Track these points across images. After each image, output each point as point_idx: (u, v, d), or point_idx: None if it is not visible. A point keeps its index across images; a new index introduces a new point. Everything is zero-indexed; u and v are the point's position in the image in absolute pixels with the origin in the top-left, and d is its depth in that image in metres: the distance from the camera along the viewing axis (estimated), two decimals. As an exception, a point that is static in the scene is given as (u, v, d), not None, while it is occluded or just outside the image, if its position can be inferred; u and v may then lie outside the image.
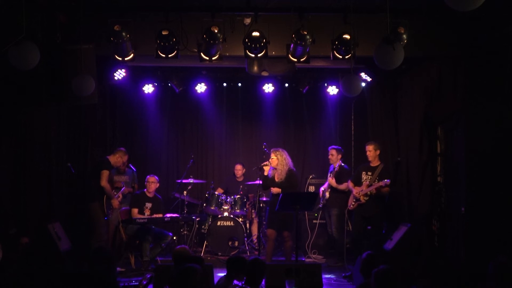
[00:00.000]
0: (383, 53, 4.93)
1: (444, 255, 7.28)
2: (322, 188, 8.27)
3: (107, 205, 7.11)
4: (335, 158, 8.05)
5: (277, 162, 7.26)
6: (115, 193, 7.38)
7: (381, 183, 7.21)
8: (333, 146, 8.20)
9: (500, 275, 4.02)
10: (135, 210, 7.87)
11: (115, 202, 7.29)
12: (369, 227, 7.52)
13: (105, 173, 7.22)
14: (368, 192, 7.33)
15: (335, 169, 7.89)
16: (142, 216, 7.75)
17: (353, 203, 7.54)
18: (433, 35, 6.63)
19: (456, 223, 6.93)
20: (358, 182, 7.60)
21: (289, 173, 7.23)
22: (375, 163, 7.49)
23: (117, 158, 7.57)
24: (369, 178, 7.46)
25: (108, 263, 4.11)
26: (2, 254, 5.94)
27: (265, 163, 7.40)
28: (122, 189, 7.61)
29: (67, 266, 6.26)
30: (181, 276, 3.64)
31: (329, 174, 8.13)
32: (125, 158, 7.75)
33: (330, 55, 6.17)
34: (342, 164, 7.95)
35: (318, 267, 5.82)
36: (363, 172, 7.58)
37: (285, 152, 7.38)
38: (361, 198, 7.42)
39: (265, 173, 7.38)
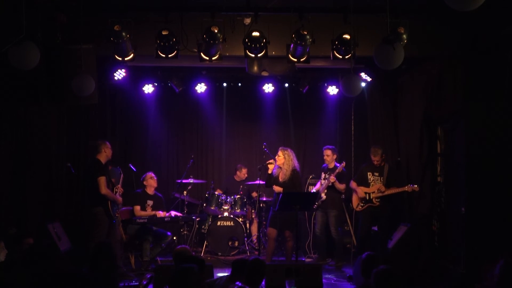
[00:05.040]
0: (383, 53, 4.93)
1: (444, 255, 7.28)
2: (313, 190, 8.11)
3: (112, 208, 6.98)
4: (330, 158, 7.94)
5: (283, 161, 7.23)
6: (116, 189, 7.25)
7: (406, 188, 7.20)
8: (328, 146, 8.08)
9: (507, 276, 3.96)
10: (138, 207, 7.88)
11: (119, 199, 7.17)
12: (374, 228, 7.52)
13: (102, 180, 6.75)
14: (380, 194, 7.34)
15: (337, 171, 7.74)
16: (142, 215, 7.76)
17: (362, 204, 7.52)
18: (433, 35, 6.63)
19: (456, 223, 6.93)
20: (362, 183, 7.59)
21: (293, 173, 7.20)
22: (381, 164, 7.50)
23: (105, 153, 7.05)
24: (378, 179, 7.45)
25: (111, 260, 4.03)
26: (6, 253, 5.96)
27: (270, 161, 7.36)
28: (120, 181, 7.44)
29: (67, 266, 6.25)
30: (178, 276, 3.64)
31: (323, 175, 8.01)
32: (109, 145, 7.16)
33: (330, 55, 6.16)
34: (343, 168, 7.89)
35: (318, 267, 5.81)
36: (369, 173, 7.55)
37: (293, 153, 7.33)
38: (373, 200, 7.41)
39: (269, 171, 7.36)
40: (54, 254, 3.68)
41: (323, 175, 8.03)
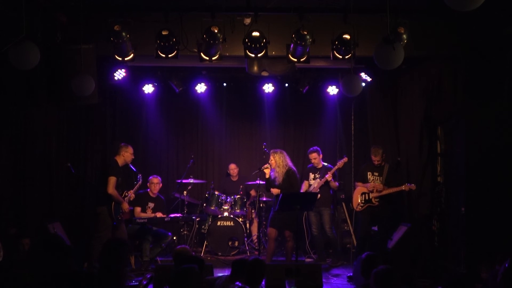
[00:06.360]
0: (383, 53, 4.92)
1: (444, 255, 7.28)
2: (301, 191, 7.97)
3: (115, 210, 6.99)
4: (318, 159, 7.98)
5: (275, 164, 7.24)
6: (127, 193, 7.28)
7: (403, 187, 7.22)
8: (311, 149, 8.07)
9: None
10: (138, 209, 7.91)
11: (125, 206, 7.21)
12: (374, 228, 7.51)
13: (112, 180, 6.89)
14: (378, 193, 7.35)
15: (339, 166, 7.78)
16: (142, 216, 7.77)
17: (361, 204, 7.52)
18: (433, 35, 6.64)
19: (456, 223, 6.94)
20: (363, 182, 7.61)
21: (287, 173, 7.18)
22: (381, 164, 7.51)
23: (124, 156, 7.23)
24: (378, 178, 7.45)
25: (122, 259, 3.93)
26: (3, 254, 5.95)
27: (265, 166, 7.35)
28: (135, 187, 7.47)
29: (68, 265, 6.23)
30: (179, 277, 3.63)
31: (311, 175, 8.00)
32: (130, 150, 7.35)
33: (330, 55, 6.17)
34: (335, 171, 7.89)
35: (318, 267, 5.81)
36: (369, 173, 7.56)
37: (284, 153, 7.31)
38: (373, 200, 7.42)
39: (267, 176, 7.34)
40: (70, 251, 3.64)
41: (311, 175, 8.04)
